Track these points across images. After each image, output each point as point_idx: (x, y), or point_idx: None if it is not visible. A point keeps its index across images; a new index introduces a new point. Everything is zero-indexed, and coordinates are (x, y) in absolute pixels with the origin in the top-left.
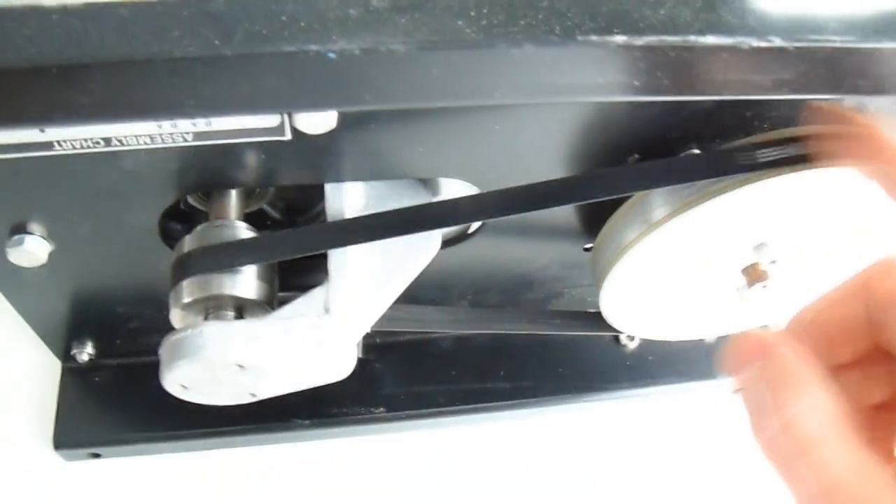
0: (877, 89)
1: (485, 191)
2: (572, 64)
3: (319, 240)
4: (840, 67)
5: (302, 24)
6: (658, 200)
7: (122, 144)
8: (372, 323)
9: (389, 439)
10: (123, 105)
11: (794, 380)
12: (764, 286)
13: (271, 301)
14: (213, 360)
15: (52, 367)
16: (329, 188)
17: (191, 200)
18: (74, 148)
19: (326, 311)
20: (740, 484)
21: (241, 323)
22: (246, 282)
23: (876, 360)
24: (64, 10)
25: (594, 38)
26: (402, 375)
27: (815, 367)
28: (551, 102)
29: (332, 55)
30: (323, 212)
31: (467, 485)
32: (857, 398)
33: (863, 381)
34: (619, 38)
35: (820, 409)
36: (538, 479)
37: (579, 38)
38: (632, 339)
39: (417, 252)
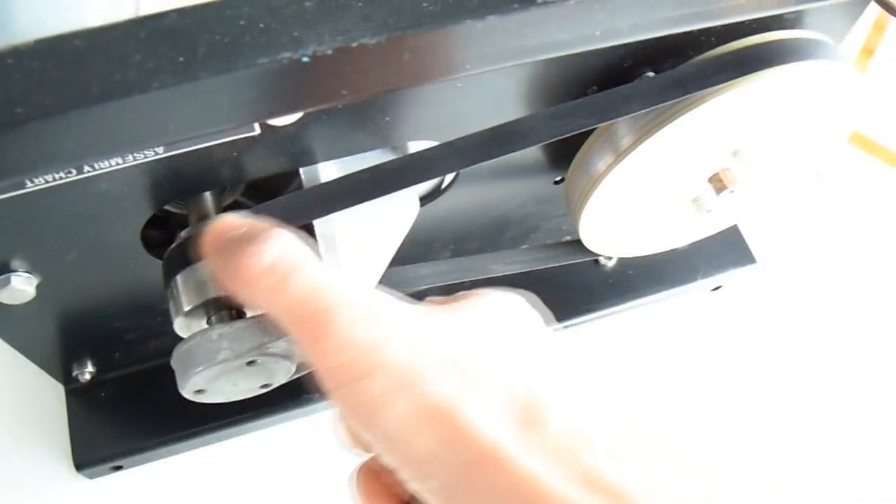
0: None
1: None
2: (535, 27)
3: (303, 209)
4: None
5: (261, 25)
6: (623, 129)
7: (95, 169)
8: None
9: None
10: (104, 144)
11: (267, 233)
12: (731, 192)
13: None
14: (229, 362)
15: (54, 391)
16: (304, 171)
17: (167, 206)
18: (47, 182)
19: None
20: (733, 373)
21: (246, 321)
22: None
23: None
24: (16, 53)
25: None
26: None
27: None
28: (519, 63)
29: (305, 59)
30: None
31: None
32: None
33: None
34: None
35: (297, 242)
36: None
37: (538, 0)
38: (609, 258)
39: (399, 216)
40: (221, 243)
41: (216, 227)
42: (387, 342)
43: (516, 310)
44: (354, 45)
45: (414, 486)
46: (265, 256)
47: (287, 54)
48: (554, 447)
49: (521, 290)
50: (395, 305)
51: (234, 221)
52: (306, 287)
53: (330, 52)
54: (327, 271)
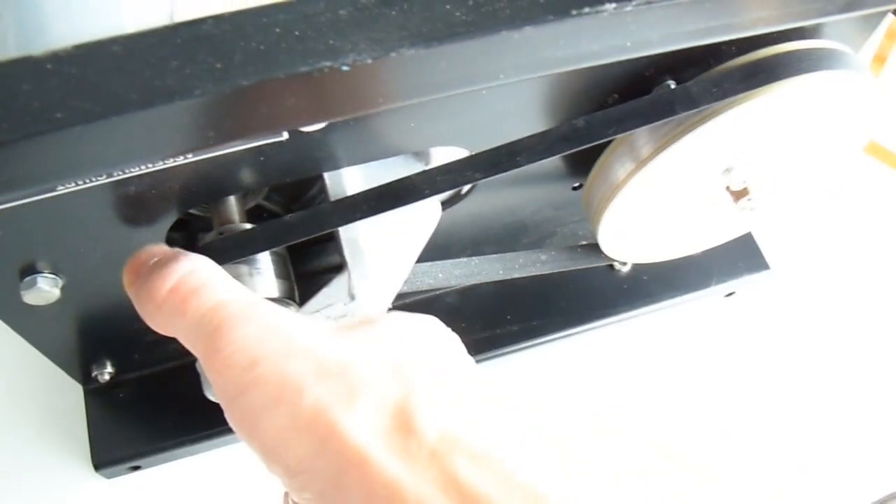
0: (842, 8)
1: (475, 151)
2: (569, 38)
3: (326, 220)
4: None
5: (296, 33)
6: (643, 138)
7: (124, 172)
8: (392, 298)
9: None
10: (142, 150)
11: (176, 258)
12: (749, 200)
13: (293, 295)
14: None
15: (73, 391)
16: (328, 176)
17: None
18: (77, 185)
19: (352, 297)
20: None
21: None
22: (267, 282)
23: None
24: (55, 58)
25: (587, 10)
26: None
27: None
28: (551, 73)
29: (345, 68)
30: (317, 195)
31: None
32: None
33: None
34: (610, 6)
35: (202, 265)
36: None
37: (573, 12)
38: (624, 264)
39: (420, 222)
40: (138, 273)
41: (134, 258)
42: (272, 356)
43: (419, 330)
44: (394, 54)
45: (296, 499)
46: (168, 280)
47: (327, 63)
48: (422, 453)
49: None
50: (291, 322)
51: (152, 250)
52: (203, 307)
53: (370, 61)
54: (229, 290)
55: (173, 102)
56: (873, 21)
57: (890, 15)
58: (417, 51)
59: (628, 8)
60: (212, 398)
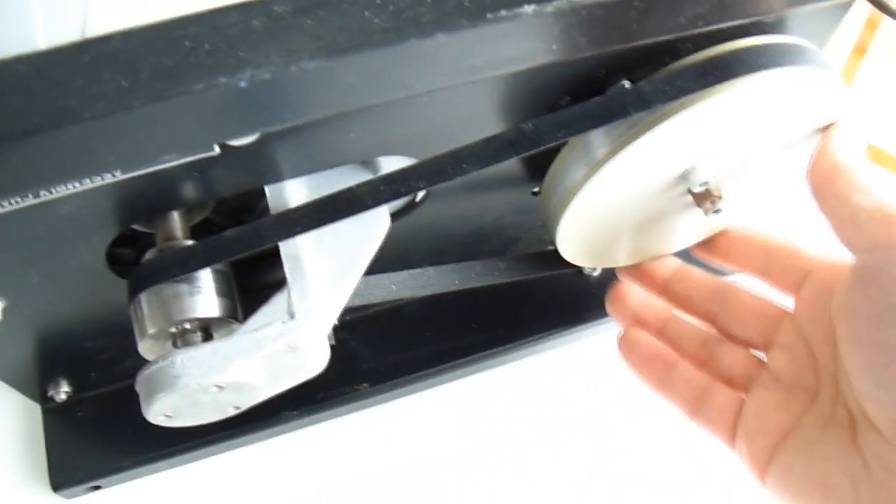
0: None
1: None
2: (487, 43)
3: (266, 234)
4: None
5: (207, 46)
6: (598, 140)
7: (51, 193)
8: (337, 314)
9: (381, 411)
10: (49, 173)
11: None
12: (712, 202)
13: (235, 313)
14: (191, 387)
15: (31, 411)
16: (269, 189)
17: (135, 226)
18: (3, 206)
19: (291, 315)
20: None
21: (211, 345)
22: (207, 301)
23: None
24: None
25: (504, 13)
26: (378, 347)
27: None
28: (474, 81)
29: (243, 84)
30: (267, 208)
31: (461, 442)
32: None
33: None
34: (530, 8)
35: None
36: (530, 423)
37: (489, 16)
38: (594, 269)
39: (368, 233)
40: None
41: None
42: None
43: None
44: (293, 68)
45: None
46: None
47: (223, 79)
48: None
49: None
50: None
51: None
52: None
53: (268, 76)
54: None
55: (64, 127)
56: (837, 14)
57: (868, 5)
58: (318, 65)
59: (549, 9)
60: (154, 422)
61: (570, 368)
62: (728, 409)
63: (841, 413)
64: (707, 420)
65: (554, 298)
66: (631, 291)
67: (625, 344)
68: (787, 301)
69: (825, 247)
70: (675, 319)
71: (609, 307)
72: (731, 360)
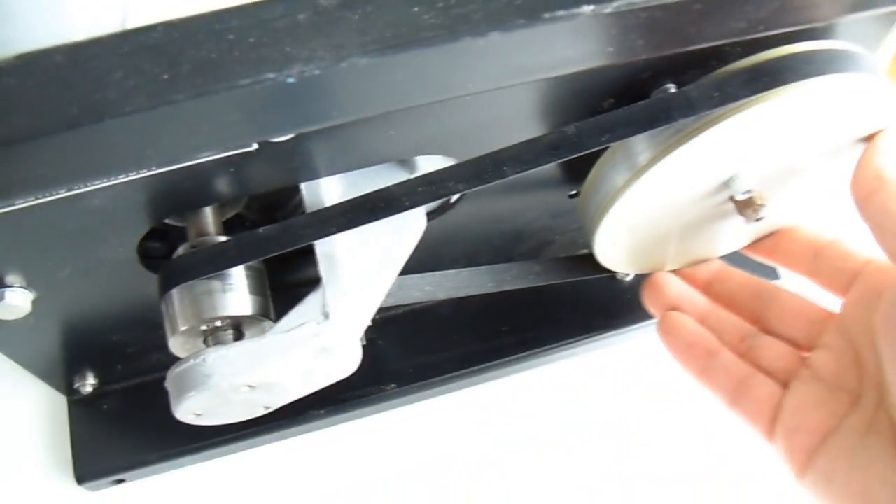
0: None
1: (463, 160)
2: (542, 44)
3: (301, 232)
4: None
5: (251, 40)
6: (641, 145)
7: (84, 187)
8: (371, 315)
9: (407, 412)
10: (83, 167)
11: None
12: (755, 209)
13: (267, 312)
14: (222, 387)
15: (57, 402)
16: (305, 186)
17: (167, 220)
18: (37, 198)
19: (325, 316)
20: None
21: (243, 344)
22: (239, 299)
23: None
24: None
25: (561, 12)
26: (407, 348)
27: None
28: (527, 82)
29: (290, 80)
30: (300, 204)
31: (485, 446)
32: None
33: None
34: (588, 9)
35: None
36: (554, 428)
37: (546, 15)
38: (627, 273)
39: (404, 234)
40: None
41: None
42: None
43: None
44: (344, 64)
45: None
46: None
47: (271, 74)
48: None
49: None
50: None
51: None
52: None
53: (317, 72)
54: None
55: (104, 121)
56: (889, 20)
57: None
58: (370, 61)
59: (608, 10)
60: (183, 420)
61: (591, 372)
62: (768, 401)
63: (883, 421)
64: (746, 410)
65: (585, 302)
66: (669, 281)
67: (665, 327)
68: (831, 303)
69: (875, 248)
70: (716, 312)
71: (645, 298)
72: (773, 353)
